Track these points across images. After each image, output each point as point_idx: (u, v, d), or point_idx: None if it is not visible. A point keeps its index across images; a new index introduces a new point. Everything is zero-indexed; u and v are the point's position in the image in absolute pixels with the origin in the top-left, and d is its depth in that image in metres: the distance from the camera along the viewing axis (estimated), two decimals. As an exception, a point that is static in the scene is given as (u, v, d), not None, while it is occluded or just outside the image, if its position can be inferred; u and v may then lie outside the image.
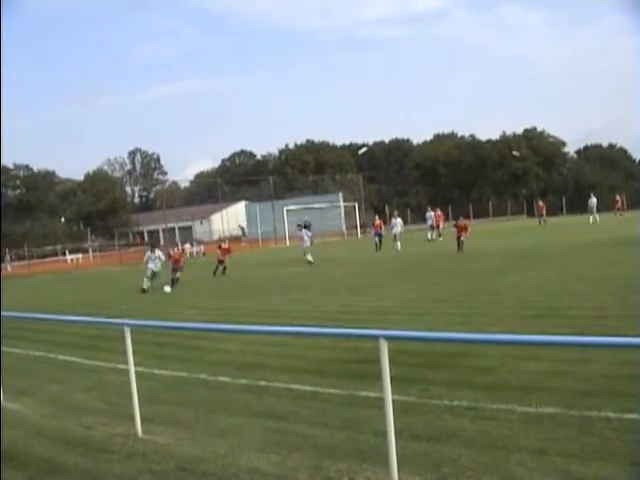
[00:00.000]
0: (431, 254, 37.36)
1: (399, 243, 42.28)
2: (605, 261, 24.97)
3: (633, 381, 9.16)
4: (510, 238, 45.37)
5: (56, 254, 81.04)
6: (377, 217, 48.34)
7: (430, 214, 51.44)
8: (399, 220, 45.08)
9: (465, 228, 37.95)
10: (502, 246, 37.53)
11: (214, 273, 35.23)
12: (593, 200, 58.93)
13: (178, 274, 30.66)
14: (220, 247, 37.22)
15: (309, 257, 36.49)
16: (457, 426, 8.08)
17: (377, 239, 45.02)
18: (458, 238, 37.23)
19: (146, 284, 29.48)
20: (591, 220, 55.83)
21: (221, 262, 35.69)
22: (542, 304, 16.56)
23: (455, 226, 38.74)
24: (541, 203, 60.47)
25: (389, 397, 6.26)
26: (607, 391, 8.91)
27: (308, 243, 38.10)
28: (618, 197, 63.28)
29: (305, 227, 67.00)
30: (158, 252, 30.77)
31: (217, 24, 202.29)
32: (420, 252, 39.42)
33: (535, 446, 7.21)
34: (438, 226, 49.79)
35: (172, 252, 33.46)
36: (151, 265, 29.75)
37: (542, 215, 59.44)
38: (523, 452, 7.08)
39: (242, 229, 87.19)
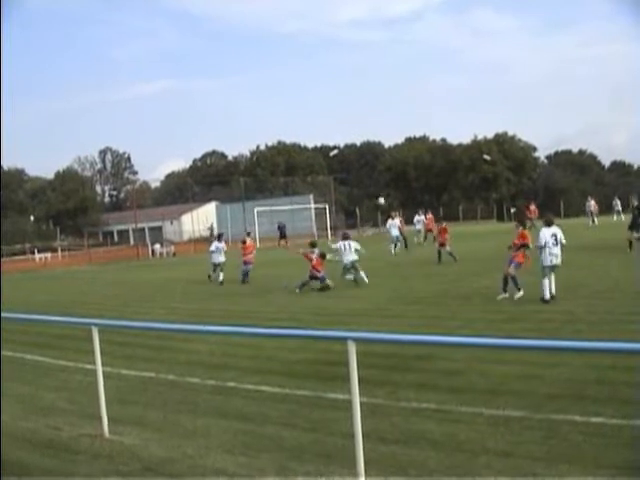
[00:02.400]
0: (406, 257, 37.31)
1: (398, 245, 40.47)
2: (575, 266, 25.13)
3: (600, 385, 9.26)
4: (482, 242, 45.50)
5: (25, 253, 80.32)
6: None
7: (420, 218, 48.00)
8: (397, 221, 41.57)
9: (444, 232, 31.99)
10: (474, 250, 37.49)
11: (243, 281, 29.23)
12: (591, 203, 59.08)
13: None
14: (244, 243, 31.06)
15: (220, 276, 29.53)
16: (425, 428, 8.11)
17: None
18: (441, 245, 31.32)
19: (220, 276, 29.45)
20: (590, 224, 56.15)
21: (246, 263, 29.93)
22: (512, 308, 16.66)
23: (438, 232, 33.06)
24: (533, 207, 58.98)
25: (357, 399, 6.27)
26: (574, 395, 8.99)
27: (222, 258, 30.14)
28: (593, 202, 63.60)
29: (281, 229, 66.38)
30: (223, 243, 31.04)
31: (192, 25, 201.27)
32: (394, 255, 39.35)
33: (502, 449, 7.25)
34: (430, 230, 46.18)
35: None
36: (222, 258, 29.93)
37: (532, 219, 58.09)
38: (490, 455, 7.12)
39: (211, 230, 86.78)
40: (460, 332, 13.40)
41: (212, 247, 30.78)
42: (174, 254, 65.39)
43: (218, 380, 11.44)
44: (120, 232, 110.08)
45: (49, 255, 73.92)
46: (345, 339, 6.39)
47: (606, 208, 66.59)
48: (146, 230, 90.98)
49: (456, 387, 9.85)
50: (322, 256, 25.15)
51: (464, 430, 7.94)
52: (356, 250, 25.01)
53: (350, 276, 25.23)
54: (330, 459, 7.30)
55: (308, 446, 7.81)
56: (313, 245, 26.33)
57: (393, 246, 40.35)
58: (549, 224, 17.72)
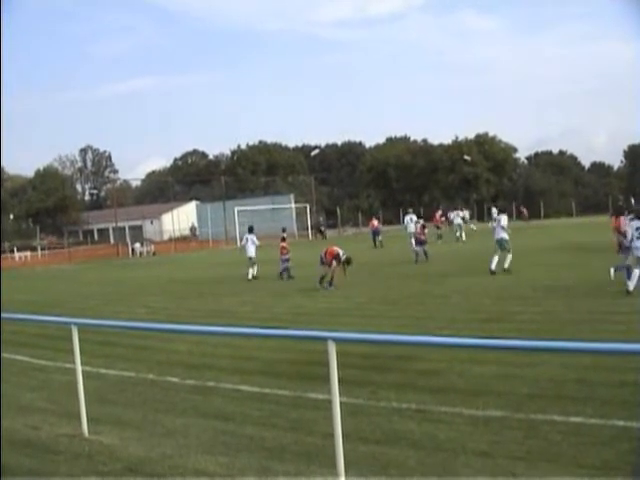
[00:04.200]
0: (386, 257, 37.37)
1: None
2: (556, 265, 25.26)
3: (579, 385, 9.29)
4: (463, 242, 45.67)
5: (4, 252, 79.84)
6: (374, 218, 52.22)
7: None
8: (414, 217, 40.85)
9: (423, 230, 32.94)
10: (455, 250, 37.62)
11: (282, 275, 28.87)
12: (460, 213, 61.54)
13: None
14: (284, 240, 30.33)
15: (251, 272, 29.10)
16: (405, 428, 8.11)
17: (373, 237, 48.40)
18: (421, 243, 31.91)
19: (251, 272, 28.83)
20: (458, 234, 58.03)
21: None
22: (492, 308, 16.71)
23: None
24: (522, 208, 62.87)
25: (337, 399, 6.27)
26: (553, 395, 9.02)
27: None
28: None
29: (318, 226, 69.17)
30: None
31: (173, 22, 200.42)
32: (378, 255, 39.40)
33: (482, 449, 7.26)
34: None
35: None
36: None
37: (527, 220, 61.63)
38: (469, 455, 7.12)
39: (193, 229, 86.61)
40: (440, 332, 13.41)
41: (254, 240, 29.81)
42: (154, 253, 65.38)
43: (197, 380, 11.41)
44: (100, 231, 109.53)
45: (29, 254, 73.60)
46: (325, 339, 6.38)
47: (585, 209, 67.10)
48: (126, 229, 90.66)
49: (436, 387, 9.86)
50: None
51: (444, 430, 7.94)
52: (503, 227, 23.73)
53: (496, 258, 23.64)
54: (310, 459, 7.29)
55: (288, 446, 7.79)
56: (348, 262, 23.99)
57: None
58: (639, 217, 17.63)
